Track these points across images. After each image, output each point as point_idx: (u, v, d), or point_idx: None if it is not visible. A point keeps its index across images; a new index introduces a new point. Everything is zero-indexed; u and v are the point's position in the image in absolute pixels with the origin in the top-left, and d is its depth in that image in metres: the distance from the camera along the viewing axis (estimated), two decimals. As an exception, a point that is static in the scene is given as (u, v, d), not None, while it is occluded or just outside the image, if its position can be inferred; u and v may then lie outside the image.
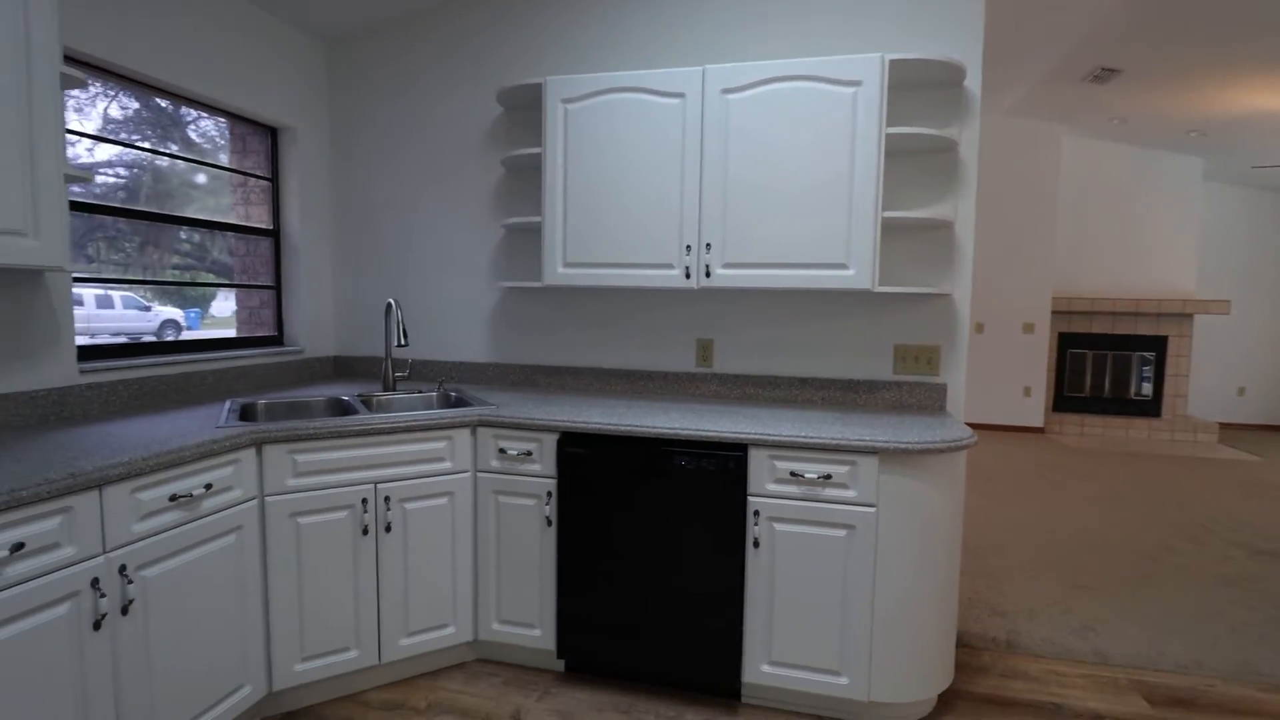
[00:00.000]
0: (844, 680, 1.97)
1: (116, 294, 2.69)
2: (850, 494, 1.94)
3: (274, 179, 2.92)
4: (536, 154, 2.52)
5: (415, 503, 2.14)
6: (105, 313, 2.78)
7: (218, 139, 2.76)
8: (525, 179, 2.82)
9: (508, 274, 2.88)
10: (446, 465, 2.19)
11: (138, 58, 2.19)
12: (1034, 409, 6.79)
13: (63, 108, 1.68)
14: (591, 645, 2.17)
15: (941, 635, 2.01)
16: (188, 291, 2.76)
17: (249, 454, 1.88)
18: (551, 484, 2.17)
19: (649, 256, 2.37)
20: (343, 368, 3.15)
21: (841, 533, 1.95)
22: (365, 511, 2.06)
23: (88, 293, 2.56)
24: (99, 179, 2.28)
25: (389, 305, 2.57)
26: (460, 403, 2.51)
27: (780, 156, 2.21)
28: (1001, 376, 6.83)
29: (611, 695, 2.15)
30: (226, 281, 2.84)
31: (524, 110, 2.79)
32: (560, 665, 2.28)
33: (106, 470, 1.47)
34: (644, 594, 2.11)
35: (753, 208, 2.25)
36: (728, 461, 2.01)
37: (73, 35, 1.98)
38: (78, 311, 2.03)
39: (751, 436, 1.98)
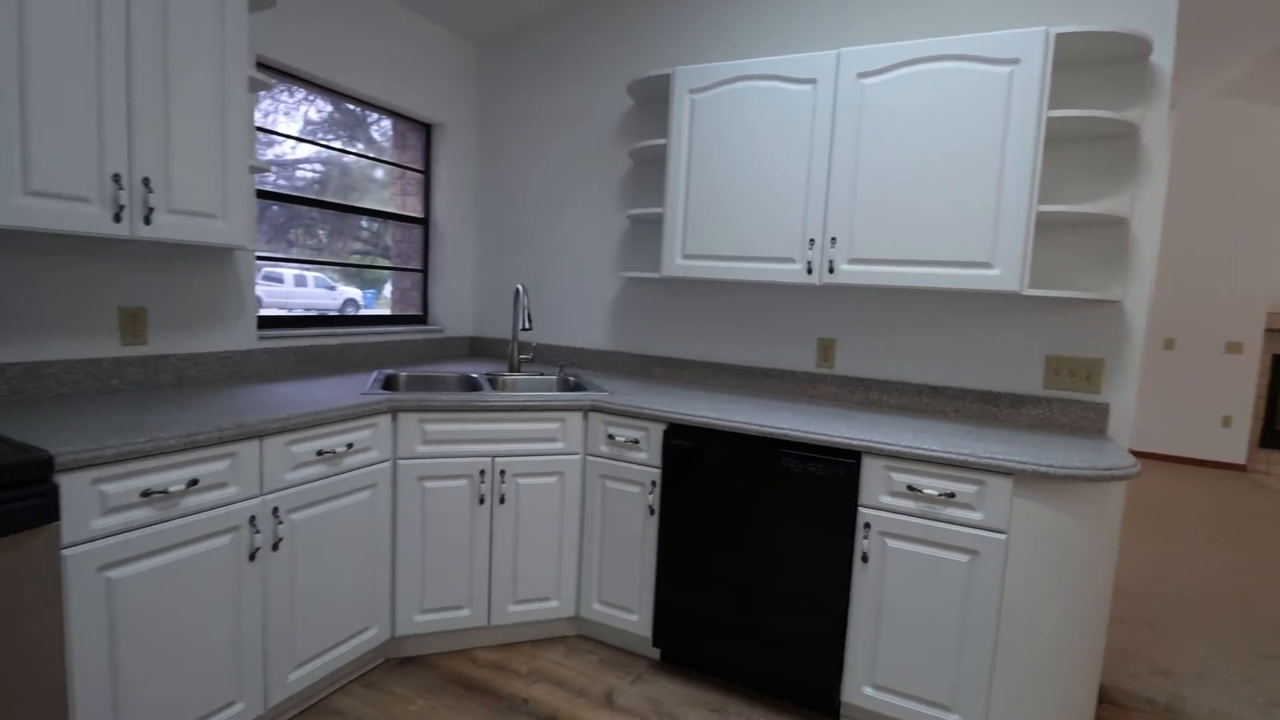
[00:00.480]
0: (955, 718, 1.81)
1: (310, 275, 3.07)
2: (976, 516, 1.76)
3: (427, 171, 3.18)
4: (662, 145, 2.54)
5: (528, 479, 2.25)
6: (300, 290, 3.19)
7: (393, 137, 3.05)
8: (651, 171, 2.84)
9: (630, 264, 2.93)
10: (559, 446, 2.28)
11: (323, 64, 2.48)
12: (1235, 442, 5.79)
13: (251, 108, 1.94)
14: (687, 638, 2.17)
15: (1078, 686, 1.78)
16: (366, 274, 3.09)
17: (385, 420, 2.07)
18: (656, 474, 2.18)
19: (769, 250, 2.30)
20: (478, 347, 3.37)
21: (963, 558, 1.78)
22: (482, 482, 2.20)
23: (288, 273, 2.95)
24: (299, 173, 2.62)
25: (517, 291, 2.71)
26: (577, 387, 2.59)
27: (918, 144, 2.05)
28: (1196, 402, 5.88)
29: (704, 691, 2.13)
30: (383, 265, 3.14)
31: (652, 102, 2.81)
32: (656, 654, 2.30)
33: (267, 424, 1.69)
34: (742, 594, 2.06)
35: (884, 200, 2.10)
36: (838, 468, 1.91)
37: (265, 44, 2.28)
38: (278, 288, 2.36)
39: (866, 444, 1.86)
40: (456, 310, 3.29)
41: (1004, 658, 1.75)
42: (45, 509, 1.26)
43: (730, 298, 2.72)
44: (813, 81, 2.19)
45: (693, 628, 2.15)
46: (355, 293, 3.15)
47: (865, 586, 1.90)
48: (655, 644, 2.22)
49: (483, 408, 2.17)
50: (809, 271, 2.24)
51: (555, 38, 3.04)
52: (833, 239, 2.19)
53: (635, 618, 2.25)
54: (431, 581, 2.18)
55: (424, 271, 3.22)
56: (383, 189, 3.04)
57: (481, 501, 2.21)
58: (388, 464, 2.09)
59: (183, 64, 1.74)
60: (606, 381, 2.69)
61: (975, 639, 1.77)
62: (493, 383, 2.65)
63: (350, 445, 1.94)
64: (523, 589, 2.29)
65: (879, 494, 1.87)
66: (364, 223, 2.97)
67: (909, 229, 2.08)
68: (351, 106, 2.81)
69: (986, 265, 1.99)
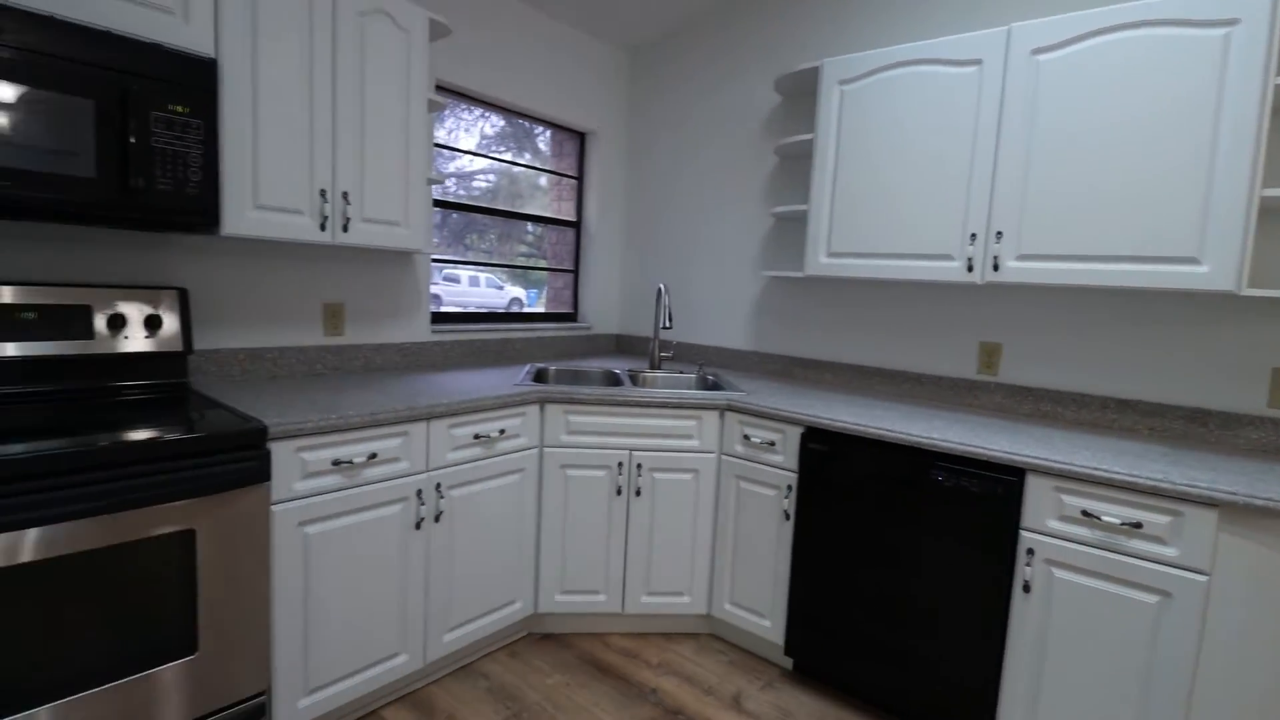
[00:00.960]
0: (1134, 780, 1.57)
1: (482, 275, 3.38)
2: (1169, 552, 1.52)
3: (580, 177, 3.36)
4: (808, 140, 2.47)
5: (663, 474, 2.30)
6: (473, 289, 3.52)
7: (552, 145, 3.27)
8: (796, 167, 2.77)
9: (773, 263, 2.88)
10: (694, 444, 2.30)
11: (491, 84, 2.72)
12: None
13: (430, 127, 2.18)
14: (820, 650, 2.09)
15: (1305, 768, 1.47)
16: (530, 274, 3.34)
17: (534, 410, 2.22)
18: (792, 478, 2.13)
19: (924, 246, 2.15)
20: (623, 344, 3.49)
21: (1150, 598, 1.55)
22: (620, 474, 2.28)
23: (464, 274, 3.28)
24: (475, 183, 2.90)
25: (659, 290, 2.78)
26: (715, 386, 2.60)
27: (1103, 124, 1.80)
28: None
29: (836, 708, 2.05)
30: (537, 266, 3.36)
31: (800, 97, 2.74)
32: (788, 663, 2.24)
33: (433, 408, 1.89)
34: (883, 611, 1.95)
35: (1060, 189, 1.88)
36: (997, 485, 1.74)
37: (441, 69, 2.54)
38: (455, 288, 2.65)
39: (1033, 461, 1.68)
40: (603, 308, 3.43)
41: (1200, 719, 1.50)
42: (260, 470, 1.51)
43: (878, 297, 2.58)
44: (977, 63, 2.01)
45: (827, 640, 2.07)
46: (520, 292, 3.40)
47: (1026, 619, 1.71)
48: (787, 652, 2.17)
49: (622, 402, 2.25)
50: (969, 269, 2.06)
51: (702, 41, 3.07)
52: (998, 233, 2.00)
53: (767, 623, 2.22)
54: (571, 564, 2.30)
55: (575, 272, 3.40)
56: (545, 195, 3.27)
57: (619, 493, 2.29)
58: (535, 450, 2.24)
59: (376, 92, 1.99)
60: (745, 382, 2.67)
61: (1163, 694, 1.53)
62: (633, 379, 2.73)
63: (503, 431, 2.11)
64: (656, 581, 2.34)
65: (1046, 518, 1.68)
66: (529, 227, 3.21)
67: (1090, 221, 1.84)
68: (521, 121, 3.05)
69: (1193, 260, 1.71)
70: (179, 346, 1.83)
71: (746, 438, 2.24)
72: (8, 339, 1.57)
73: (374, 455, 1.76)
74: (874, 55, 2.22)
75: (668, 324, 2.67)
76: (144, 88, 1.50)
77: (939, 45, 2.08)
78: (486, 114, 2.91)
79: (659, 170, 3.29)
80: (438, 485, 1.93)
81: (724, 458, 2.31)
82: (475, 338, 2.79)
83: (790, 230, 2.82)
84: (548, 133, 3.24)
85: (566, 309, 3.42)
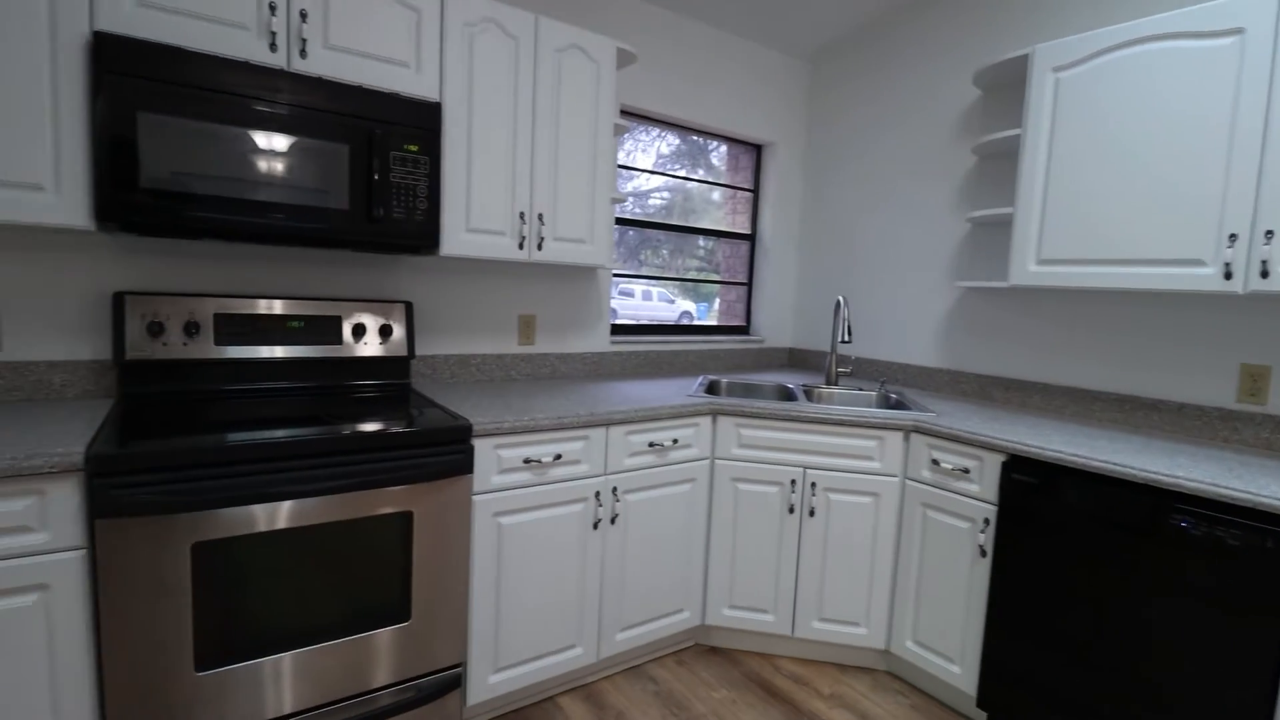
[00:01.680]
0: None
1: (654, 290, 3.52)
2: None
3: (755, 190, 3.34)
4: (1013, 136, 2.23)
5: (840, 495, 2.20)
6: (646, 304, 3.67)
7: (728, 160, 3.32)
8: (997, 167, 2.52)
9: (968, 273, 2.64)
10: (875, 465, 2.17)
11: (670, 104, 2.82)
12: None
13: (615, 149, 2.30)
14: (1023, 709, 1.85)
15: None
16: (701, 289, 3.41)
17: (706, 421, 2.24)
18: (990, 510, 1.92)
19: (1163, 250, 1.84)
20: (796, 358, 3.40)
21: None
22: (793, 492, 2.22)
23: (637, 288, 3.44)
24: (650, 201, 3.04)
25: (837, 303, 2.67)
26: (898, 405, 2.44)
27: None
28: None
29: (1041, 776, 1.80)
30: (710, 279, 3.40)
31: (1002, 90, 2.49)
32: (981, 716, 2.02)
33: (612, 415, 1.98)
34: (1103, 676, 1.68)
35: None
36: (1265, 539, 1.43)
37: (624, 94, 2.68)
38: (630, 302, 2.79)
39: (1318, 510, 1.36)
40: (776, 321, 3.37)
41: None
42: (464, 463, 1.69)
43: (1101, 310, 2.25)
44: (1237, 32, 1.69)
45: (1030, 699, 1.83)
46: (690, 306, 3.47)
47: (1308, 707, 1.38)
48: (981, 705, 1.95)
49: (797, 418, 2.19)
50: (1227, 276, 1.73)
51: (887, 41, 2.92)
52: (1267, 233, 1.65)
53: (956, 669, 2.01)
54: (740, 579, 2.28)
55: (749, 285, 3.39)
56: (718, 210, 3.30)
57: (791, 511, 2.23)
58: (706, 462, 2.25)
59: (569, 121, 2.15)
60: (933, 402, 2.47)
61: None
62: (808, 394, 2.65)
63: (676, 441, 2.16)
64: (829, 607, 2.23)
65: (1340, 583, 1.35)
66: (701, 242, 3.27)
67: None
68: (695, 138, 3.12)
69: None
70: (404, 352, 2.11)
71: (935, 463, 2.07)
72: (280, 343, 1.91)
73: (559, 456, 1.88)
74: (1097, 36, 1.96)
75: (846, 338, 2.55)
76: (386, 132, 1.77)
77: (1182, 17, 1.78)
78: (663, 134, 3.01)
79: (839, 179, 3.18)
80: (614, 489, 2.02)
81: (908, 482, 2.15)
82: (651, 349, 2.88)
83: (988, 237, 2.57)
84: (722, 148, 3.27)
85: (739, 322, 3.41)
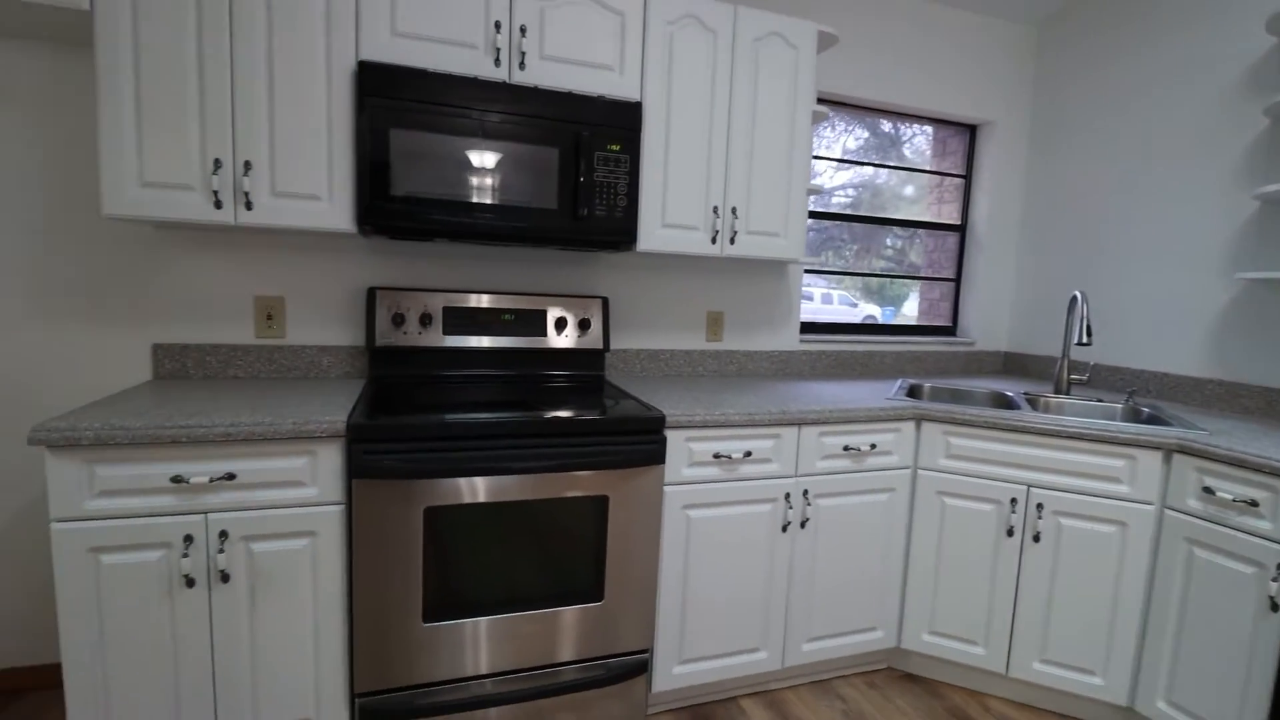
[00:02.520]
0: None
1: (835, 293, 3.35)
2: None
3: (967, 176, 3.02)
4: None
5: (1073, 520, 1.89)
6: (826, 307, 3.51)
7: (925, 151, 3.05)
8: (1313, 128, 2.01)
9: (1254, 262, 2.14)
10: (1122, 489, 1.84)
11: (868, 87, 2.64)
12: None
13: (811, 137, 2.20)
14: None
15: None
16: (886, 292, 3.18)
17: (909, 426, 2.06)
18: (1291, 554, 1.53)
19: None
20: (1011, 364, 3.02)
21: None
22: (1013, 512, 1.96)
23: (817, 292, 3.30)
24: (834, 199, 2.89)
25: (1074, 299, 2.31)
26: (1153, 420, 2.05)
27: None
28: None
29: None
30: (912, 275, 3.13)
31: (1327, 30, 1.98)
32: (1268, 809, 1.62)
33: (805, 414, 1.89)
34: None
35: None
36: None
37: (821, 79, 2.56)
38: (807, 305, 2.67)
39: None
40: (989, 322, 3.02)
41: None
42: (658, 453, 1.71)
43: None
44: None
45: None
46: (875, 310, 3.24)
47: None
48: (1269, 795, 1.57)
49: (1021, 428, 1.93)
50: None
51: (1151, -11, 2.47)
52: None
53: (1233, 744, 1.64)
54: (943, 604, 2.06)
55: (956, 281, 3.07)
56: (911, 205, 3.03)
57: (1010, 534, 1.97)
58: (908, 471, 2.07)
59: (765, 110, 2.10)
60: (1201, 418, 2.04)
61: None
62: (1033, 403, 2.33)
63: (874, 446, 2.01)
64: (1055, 648, 1.94)
65: None
66: (888, 240, 3.03)
67: None
68: (888, 128, 2.90)
69: None
70: (600, 345, 2.20)
71: (1208, 491, 1.70)
72: (493, 334, 2.09)
73: (749, 453, 1.84)
74: None
75: (1085, 339, 2.20)
76: (592, 134, 1.85)
77: None
78: (850, 127, 2.82)
79: (1073, 157, 2.76)
80: (805, 491, 1.93)
81: (1168, 513, 1.79)
82: (843, 349, 2.72)
83: (1290, 216, 2.06)
84: (917, 139, 2.99)
85: (943, 321, 3.11)
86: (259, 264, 1.96)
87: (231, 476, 1.41)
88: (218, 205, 1.60)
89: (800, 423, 1.90)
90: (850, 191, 2.93)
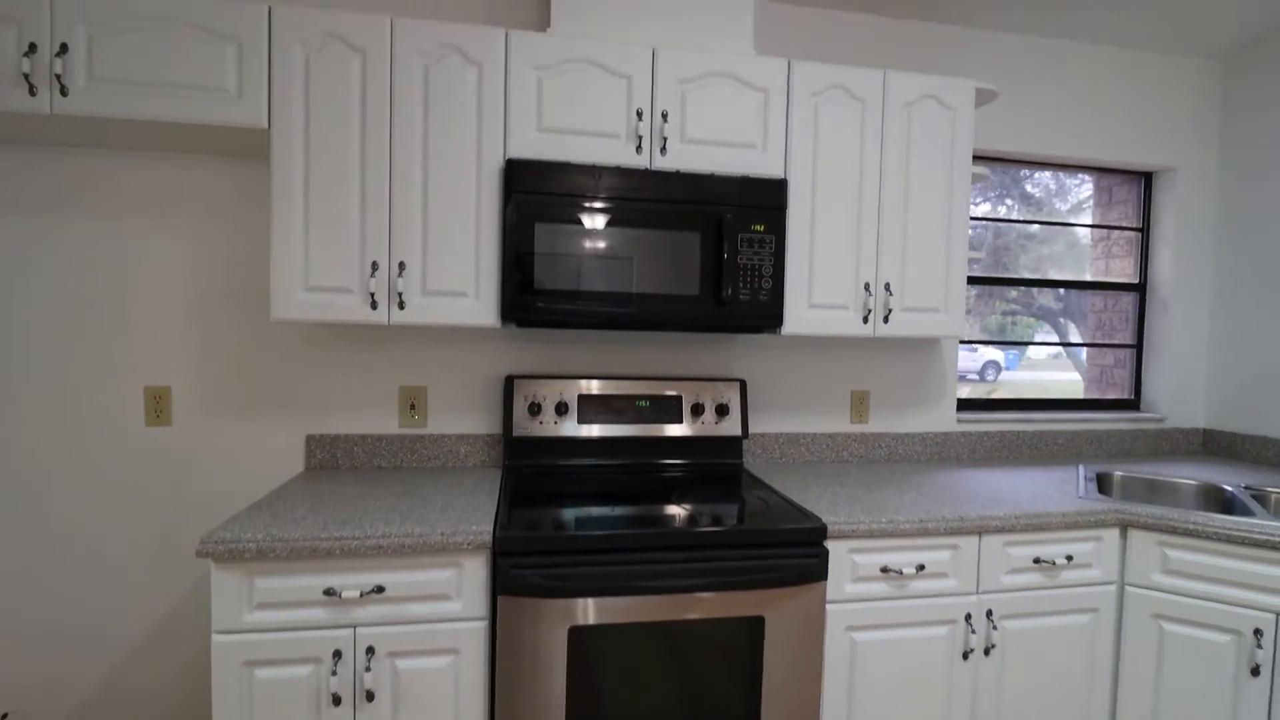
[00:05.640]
0: None
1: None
2: None
3: (1143, 228, 2.67)
4: None
5: (1350, 664, 1.51)
6: None
7: (1095, 194, 2.74)
8: None
9: None
10: None
11: (1023, 140, 2.41)
12: None
13: (969, 204, 2.00)
14: None
15: None
16: (1008, 333, 2.84)
17: (1111, 534, 1.75)
18: None
19: None
20: (1214, 445, 2.57)
21: None
22: (1259, 647, 1.59)
23: None
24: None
25: (1311, 377, 1.92)
26: None
27: None
28: None
29: None
30: (1080, 342, 2.78)
31: None
32: None
33: (986, 520, 1.64)
34: None
35: None
36: None
37: (980, 138, 2.35)
38: None
39: None
40: (1182, 395, 2.60)
41: None
42: (819, 568, 1.52)
43: None
44: None
45: None
46: (997, 355, 2.90)
47: None
48: None
49: (1261, 542, 1.58)
50: None
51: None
52: None
53: None
54: (1167, 754, 1.69)
55: (1136, 346, 2.69)
56: (1042, 245, 2.69)
57: (1255, 673, 1.60)
58: (1112, 588, 1.74)
59: (919, 177, 1.93)
60: None
61: None
62: (1262, 501, 1.94)
63: (1069, 558, 1.71)
64: (1335, 829, 1.52)
65: None
66: (1012, 291, 2.71)
67: None
68: (1031, 191, 2.62)
69: None
70: (738, 431, 2.06)
71: None
72: (629, 421, 2.00)
73: (921, 567, 1.61)
74: None
75: (1335, 429, 1.81)
76: (735, 215, 1.75)
77: None
78: (990, 194, 2.58)
79: (1276, 203, 2.37)
80: (989, 612, 1.66)
81: None
82: (1007, 429, 2.42)
83: None
84: (1073, 193, 2.69)
85: (1121, 393, 2.72)
86: (405, 355, 1.99)
87: (380, 589, 1.37)
88: (373, 306, 1.63)
89: (981, 530, 1.65)
90: (974, 254, 2.66)
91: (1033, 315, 2.89)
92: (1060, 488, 1.95)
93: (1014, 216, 2.63)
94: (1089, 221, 2.74)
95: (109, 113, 1.52)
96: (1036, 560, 1.69)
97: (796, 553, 1.51)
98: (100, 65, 1.52)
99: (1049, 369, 3.20)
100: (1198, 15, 2.29)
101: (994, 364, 3.16)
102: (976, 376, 2.96)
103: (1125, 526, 1.75)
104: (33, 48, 1.48)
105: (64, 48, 1.49)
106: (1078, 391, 2.80)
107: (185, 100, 1.55)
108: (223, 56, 1.56)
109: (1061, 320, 2.92)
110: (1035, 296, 2.87)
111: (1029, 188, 2.78)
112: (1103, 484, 2.15)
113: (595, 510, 1.60)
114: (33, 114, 1.51)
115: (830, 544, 1.57)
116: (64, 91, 1.50)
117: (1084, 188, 2.75)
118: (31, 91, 1.48)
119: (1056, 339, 2.91)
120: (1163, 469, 2.25)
